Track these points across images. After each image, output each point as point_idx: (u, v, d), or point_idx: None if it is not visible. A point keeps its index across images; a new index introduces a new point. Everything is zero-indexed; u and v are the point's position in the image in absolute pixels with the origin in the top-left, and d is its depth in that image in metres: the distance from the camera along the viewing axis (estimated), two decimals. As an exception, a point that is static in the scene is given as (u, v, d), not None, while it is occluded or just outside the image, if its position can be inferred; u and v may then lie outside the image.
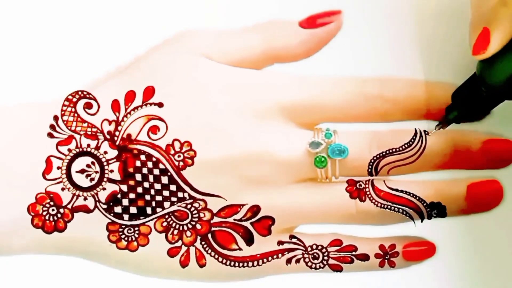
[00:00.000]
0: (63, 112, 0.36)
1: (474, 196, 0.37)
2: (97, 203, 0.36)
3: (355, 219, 0.37)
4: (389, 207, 0.37)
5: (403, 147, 0.37)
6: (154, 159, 0.36)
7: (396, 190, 0.37)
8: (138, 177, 0.36)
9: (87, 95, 0.36)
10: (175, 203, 0.36)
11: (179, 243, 0.36)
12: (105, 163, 0.36)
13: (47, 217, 0.35)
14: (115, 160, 0.36)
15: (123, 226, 0.36)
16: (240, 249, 0.37)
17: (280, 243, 0.37)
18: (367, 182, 0.37)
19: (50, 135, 0.36)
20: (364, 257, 0.37)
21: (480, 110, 0.36)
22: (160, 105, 0.36)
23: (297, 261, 0.37)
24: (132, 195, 0.36)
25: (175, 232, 0.36)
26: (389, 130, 0.38)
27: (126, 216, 0.36)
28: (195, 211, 0.36)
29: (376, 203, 0.37)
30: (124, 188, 0.36)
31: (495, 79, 0.34)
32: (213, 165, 0.36)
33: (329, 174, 0.37)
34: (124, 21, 0.38)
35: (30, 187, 0.35)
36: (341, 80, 0.38)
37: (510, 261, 0.37)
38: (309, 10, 0.38)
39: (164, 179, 0.36)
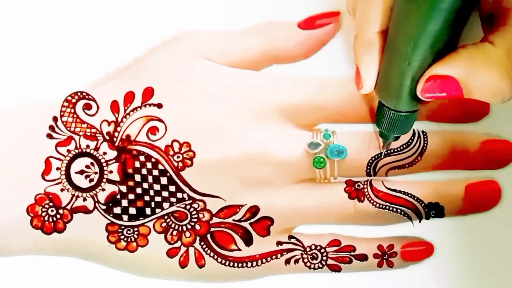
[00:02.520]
0: (62, 113, 0.36)
1: (472, 197, 0.37)
2: (96, 204, 0.36)
3: (354, 220, 0.38)
4: (387, 207, 0.37)
5: (402, 147, 0.37)
6: (153, 160, 0.36)
7: (395, 190, 0.37)
8: (137, 178, 0.36)
9: (87, 96, 0.36)
10: (174, 203, 0.36)
11: (178, 244, 0.36)
12: (104, 164, 0.36)
13: (46, 218, 0.35)
14: (114, 161, 0.36)
15: (122, 227, 0.36)
16: (239, 249, 0.37)
17: (279, 243, 0.37)
18: (365, 183, 0.37)
19: (49, 136, 0.36)
20: (363, 257, 0.37)
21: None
22: (159, 106, 0.36)
23: (296, 261, 0.37)
24: (131, 196, 0.36)
25: (174, 232, 0.36)
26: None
27: (125, 217, 0.36)
28: (194, 212, 0.36)
29: (375, 203, 0.37)
30: (123, 189, 0.36)
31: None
32: (212, 166, 0.36)
33: (328, 175, 0.37)
34: (124, 22, 0.38)
35: (29, 188, 0.35)
36: (339, 81, 0.38)
37: (508, 261, 0.37)
38: (308, 11, 0.38)
39: (163, 180, 0.36)
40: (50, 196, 0.35)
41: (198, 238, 0.37)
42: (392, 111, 0.35)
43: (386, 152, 0.37)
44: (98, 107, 0.36)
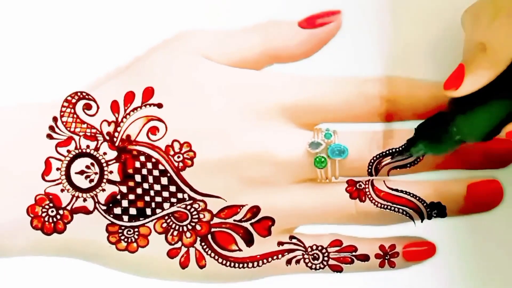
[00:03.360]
0: (62, 113, 0.36)
1: (474, 196, 0.37)
2: (97, 204, 0.36)
3: (355, 220, 0.37)
4: (389, 207, 0.37)
5: (403, 147, 0.37)
6: (153, 160, 0.36)
7: (396, 190, 0.37)
8: (138, 178, 0.36)
9: (87, 96, 0.36)
10: (175, 204, 0.36)
11: (179, 244, 0.36)
12: (104, 164, 0.36)
13: (46, 219, 0.35)
14: (114, 161, 0.36)
15: (123, 227, 0.36)
16: (240, 250, 0.37)
17: (280, 243, 0.37)
18: (367, 182, 0.37)
19: (49, 136, 0.36)
20: (364, 258, 0.37)
21: (447, 147, 0.36)
22: (160, 105, 0.36)
23: (297, 261, 0.37)
24: (131, 196, 0.36)
25: (175, 233, 0.36)
26: (389, 130, 0.38)
27: (125, 217, 0.36)
28: (195, 212, 0.36)
29: (376, 203, 0.37)
30: (124, 189, 0.36)
31: (473, 132, 0.34)
32: (213, 166, 0.36)
33: (329, 175, 0.37)
34: (124, 22, 0.38)
35: (29, 189, 0.35)
36: (341, 80, 0.37)
37: (510, 261, 0.37)
38: (309, 10, 0.38)
39: (164, 180, 0.36)
40: (50, 196, 0.35)
41: (198, 238, 0.36)
42: (456, 134, 0.35)
43: (387, 152, 0.37)
44: (98, 107, 0.36)
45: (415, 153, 0.36)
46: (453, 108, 0.35)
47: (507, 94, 0.33)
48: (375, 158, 0.37)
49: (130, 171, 0.36)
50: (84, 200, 0.36)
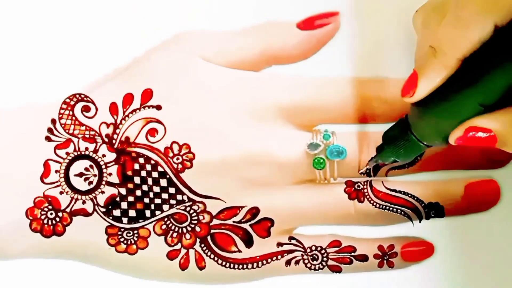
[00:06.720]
0: (60, 115, 0.36)
1: (472, 196, 0.37)
2: (96, 207, 0.35)
3: (354, 220, 0.38)
4: (387, 207, 0.37)
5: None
6: (152, 162, 0.36)
7: (394, 190, 0.37)
8: (137, 180, 0.36)
9: (85, 98, 0.36)
10: (174, 205, 0.36)
11: (178, 246, 0.36)
12: (103, 166, 0.36)
13: (45, 221, 0.35)
14: (113, 163, 0.36)
15: (122, 229, 0.36)
16: (239, 251, 0.37)
17: (279, 244, 0.37)
18: (365, 183, 0.37)
19: (48, 139, 0.36)
20: (363, 258, 0.37)
21: (412, 153, 0.35)
22: (159, 107, 0.36)
23: (297, 262, 0.37)
24: (131, 198, 0.36)
25: (175, 234, 0.36)
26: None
27: (125, 219, 0.36)
28: (194, 214, 0.36)
29: (375, 203, 0.37)
30: (123, 191, 0.36)
31: (432, 134, 0.34)
32: (212, 167, 0.36)
33: (328, 176, 0.37)
34: (122, 23, 0.38)
35: (28, 191, 0.35)
36: (339, 81, 0.38)
37: (508, 261, 0.38)
38: (307, 11, 0.38)
39: (163, 182, 0.36)
40: (49, 199, 0.35)
41: (198, 240, 0.36)
42: (416, 139, 0.34)
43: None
44: (96, 109, 0.36)
45: (384, 160, 0.36)
46: (411, 114, 0.34)
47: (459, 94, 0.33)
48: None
49: (129, 173, 0.36)
50: (83, 202, 0.35)
